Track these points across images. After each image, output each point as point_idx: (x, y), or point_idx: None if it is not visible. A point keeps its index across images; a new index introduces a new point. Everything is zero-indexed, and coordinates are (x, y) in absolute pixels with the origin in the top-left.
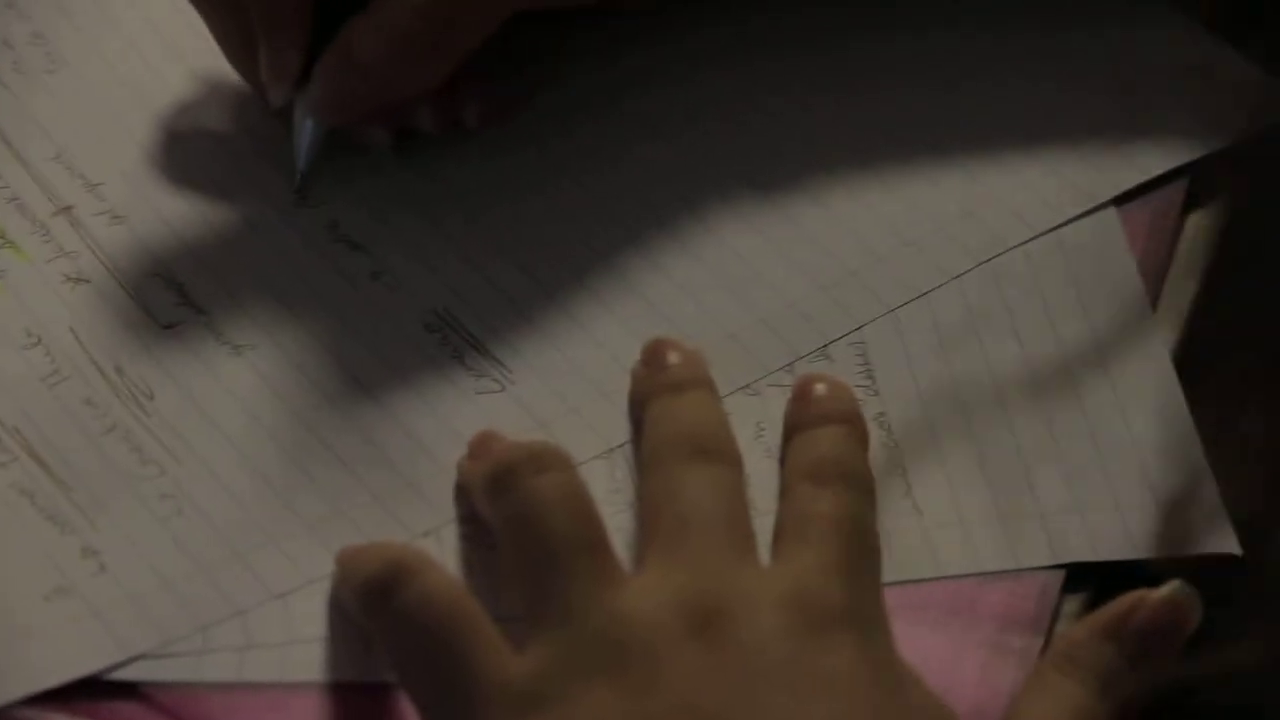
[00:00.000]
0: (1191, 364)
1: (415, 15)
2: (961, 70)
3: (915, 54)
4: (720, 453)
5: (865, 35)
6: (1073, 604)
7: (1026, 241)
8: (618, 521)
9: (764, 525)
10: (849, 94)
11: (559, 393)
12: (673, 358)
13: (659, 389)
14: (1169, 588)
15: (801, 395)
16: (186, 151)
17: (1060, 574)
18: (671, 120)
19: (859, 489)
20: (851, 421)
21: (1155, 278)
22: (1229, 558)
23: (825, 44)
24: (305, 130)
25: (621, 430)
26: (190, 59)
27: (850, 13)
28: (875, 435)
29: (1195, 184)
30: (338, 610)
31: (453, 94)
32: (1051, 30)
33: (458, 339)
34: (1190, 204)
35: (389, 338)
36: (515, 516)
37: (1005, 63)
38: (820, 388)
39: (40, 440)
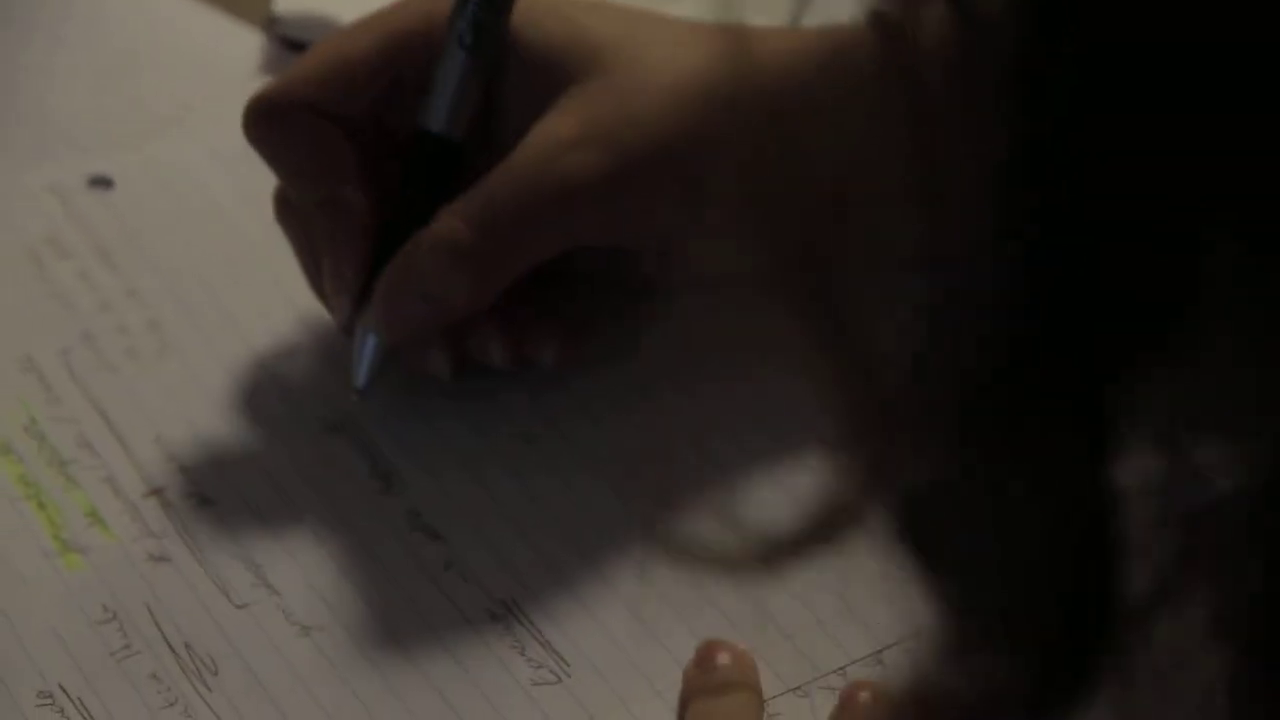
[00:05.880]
0: None
1: (466, 230)
2: None
3: None
4: None
5: None
6: None
7: None
8: None
9: None
10: None
11: (614, 688)
12: (723, 659)
13: (703, 690)
14: None
15: (847, 702)
16: (281, 439)
17: None
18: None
19: None
20: None
21: None
22: None
23: None
24: (365, 347)
25: None
26: (296, 349)
27: None
28: None
29: None
30: None
31: (525, 330)
32: None
33: (520, 629)
34: None
35: (454, 626)
36: None
37: None
38: (864, 695)
39: (102, 712)
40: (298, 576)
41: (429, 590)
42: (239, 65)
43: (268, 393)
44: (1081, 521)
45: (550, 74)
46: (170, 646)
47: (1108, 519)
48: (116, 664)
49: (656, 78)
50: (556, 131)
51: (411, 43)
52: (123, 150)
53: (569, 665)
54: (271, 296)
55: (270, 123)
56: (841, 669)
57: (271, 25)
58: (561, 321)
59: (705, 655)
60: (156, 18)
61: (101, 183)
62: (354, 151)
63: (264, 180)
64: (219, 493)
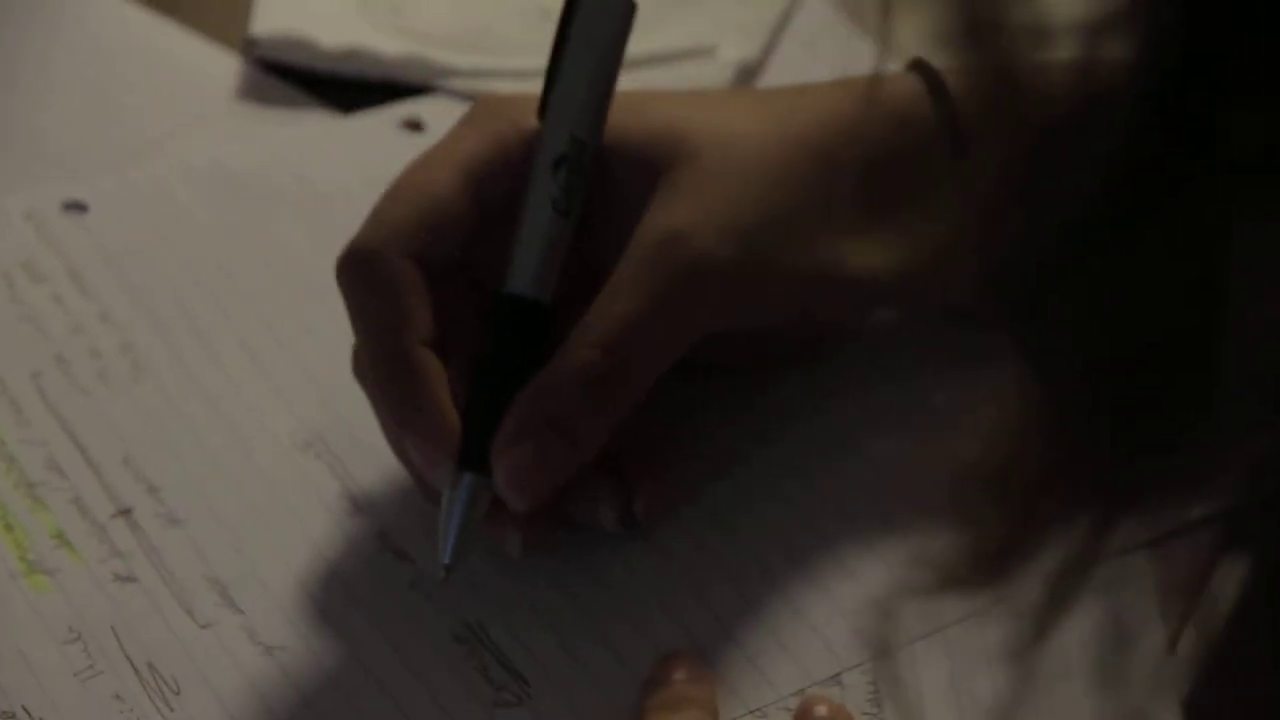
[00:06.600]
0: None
1: (606, 355)
2: None
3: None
4: None
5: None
6: None
7: None
8: None
9: None
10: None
11: (574, 709)
12: (678, 674)
13: (657, 705)
14: None
15: (802, 716)
16: (251, 460)
17: None
18: (727, 454)
19: None
20: None
21: (1180, 619)
22: None
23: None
24: (454, 517)
25: None
26: (269, 369)
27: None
28: None
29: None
30: None
31: (631, 487)
32: None
33: (483, 651)
34: (1225, 545)
35: (418, 647)
36: None
37: None
38: (820, 709)
39: None
40: (263, 596)
41: (394, 611)
42: (216, 88)
43: (238, 414)
44: (1194, 296)
45: (636, 171)
46: (134, 666)
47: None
48: (80, 684)
49: (744, 154)
50: (669, 224)
51: (490, 173)
52: (100, 174)
53: (530, 686)
54: (244, 319)
55: (365, 271)
56: (800, 691)
57: (249, 48)
58: (658, 470)
59: (662, 670)
60: (134, 42)
61: (76, 207)
62: (434, 303)
63: (239, 204)
64: (187, 513)
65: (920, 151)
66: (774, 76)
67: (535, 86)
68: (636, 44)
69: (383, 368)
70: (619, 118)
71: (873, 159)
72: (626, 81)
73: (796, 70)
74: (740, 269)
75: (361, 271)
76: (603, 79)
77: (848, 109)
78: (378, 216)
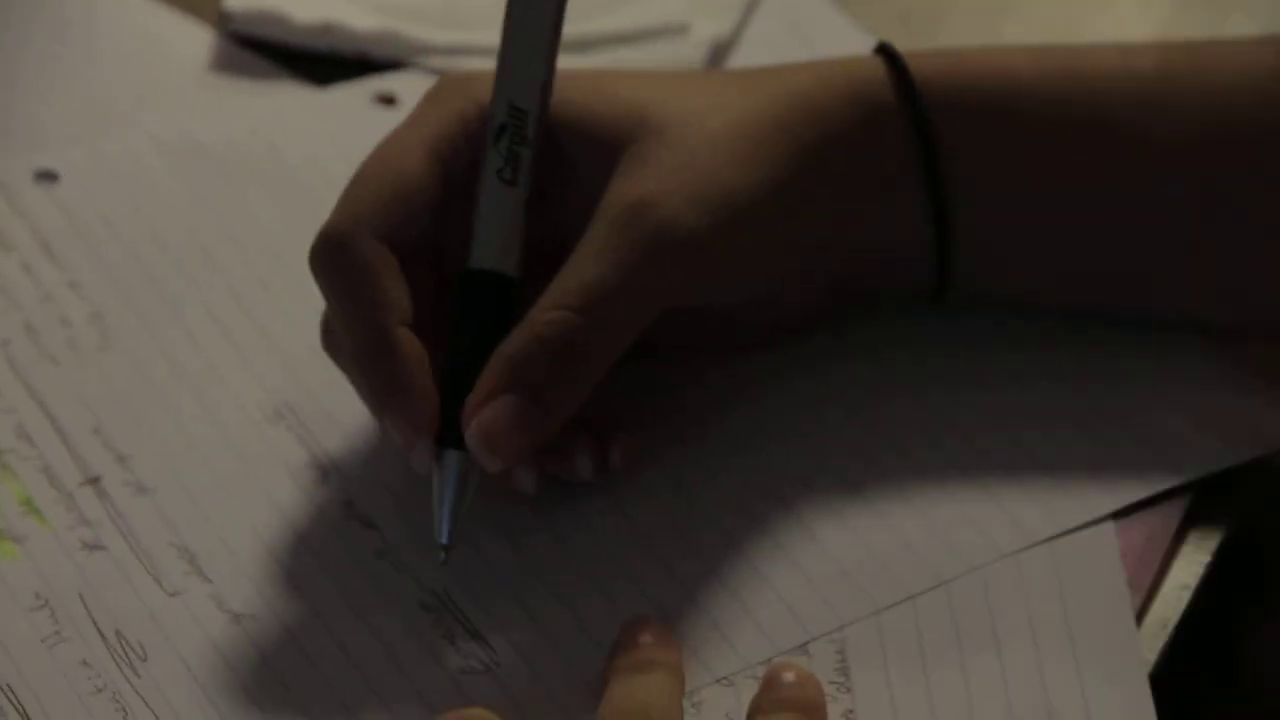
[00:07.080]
0: (1170, 682)
1: (574, 317)
2: (975, 384)
3: (929, 372)
4: None
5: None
6: None
7: (1020, 550)
8: None
9: None
10: (869, 412)
11: (540, 677)
12: (644, 638)
13: (624, 667)
14: None
15: (769, 682)
16: (220, 429)
17: None
18: (691, 426)
19: None
20: (810, 712)
21: (1146, 593)
22: None
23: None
24: (446, 497)
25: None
26: (239, 339)
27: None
28: None
29: (1195, 503)
30: None
31: (605, 440)
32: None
33: (450, 619)
34: (1188, 522)
35: (384, 615)
36: None
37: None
38: (788, 675)
39: (30, 698)
40: (231, 565)
41: (361, 579)
42: (190, 62)
43: (207, 383)
44: None
45: (597, 149)
46: (100, 633)
47: None
48: (47, 650)
49: (709, 128)
50: (633, 194)
51: (454, 151)
52: (73, 146)
53: (498, 655)
54: (215, 290)
55: (338, 256)
56: (768, 660)
57: (223, 22)
58: (622, 426)
59: (628, 634)
60: (109, 15)
61: (47, 176)
62: (408, 283)
63: (211, 175)
64: (156, 481)
65: (883, 135)
66: (747, 54)
67: None
68: (609, 22)
69: (364, 352)
70: (578, 96)
71: (835, 138)
72: (600, 61)
73: (770, 47)
74: (706, 237)
75: (335, 257)
76: (539, 47)
77: (812, 89)
78: (348, 200)
